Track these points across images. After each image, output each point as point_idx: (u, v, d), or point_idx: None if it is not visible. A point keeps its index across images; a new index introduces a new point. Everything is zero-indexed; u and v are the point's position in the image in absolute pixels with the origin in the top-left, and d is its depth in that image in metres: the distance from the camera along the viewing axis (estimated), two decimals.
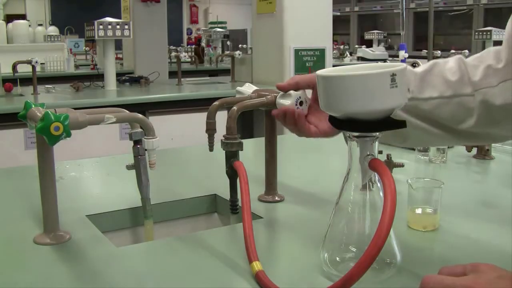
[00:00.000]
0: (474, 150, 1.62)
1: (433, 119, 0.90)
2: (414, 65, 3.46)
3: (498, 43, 0.92)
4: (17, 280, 0.86)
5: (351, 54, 8.67)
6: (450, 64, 0.91)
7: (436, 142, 1.08)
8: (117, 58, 5.48)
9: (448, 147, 1.60)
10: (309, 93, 0.96)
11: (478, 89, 0.88)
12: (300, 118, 0.93)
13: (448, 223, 1.07)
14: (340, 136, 0.92)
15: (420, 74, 0.90)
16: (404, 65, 0.76)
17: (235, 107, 1.05)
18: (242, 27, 8.71)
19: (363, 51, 8.16)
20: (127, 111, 1.06)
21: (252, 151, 1.78)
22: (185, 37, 11.98)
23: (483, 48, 6.62)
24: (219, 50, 7.27)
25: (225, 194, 1.15)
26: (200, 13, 12.84)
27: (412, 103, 0.87)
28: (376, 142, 0.78)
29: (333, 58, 5.19)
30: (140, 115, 1.04)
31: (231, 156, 1.06)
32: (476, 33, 6.33)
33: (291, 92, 0.95)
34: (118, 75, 4.33)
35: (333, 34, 4.31)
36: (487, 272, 0.66)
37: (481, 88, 0.87)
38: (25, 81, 4.21)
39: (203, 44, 7.73)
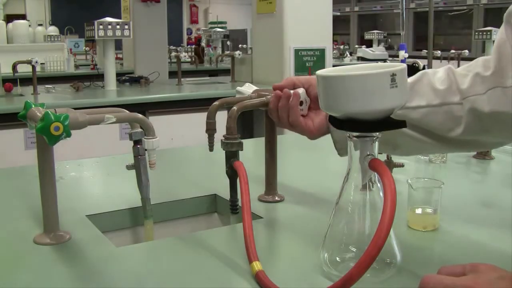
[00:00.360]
0: None
1: (422, 127, 0.91)
2: (414, 64, 3.46)
3: None
4: (17, 280, 0.86)
5: (351, 54, 8.67)
6: (439, 74, 0.92)
7: (427, 150, 1.09)
8: (117, 58, 5.48)
9: None
10: None
11: (466, 97, 0.88)
12: (295, 99, 0.93)
13: (448, 223, 1.07)
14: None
15: (409, 84, 0.91)
16: (404, 65, 0.76)
17: (235, 107, 1.05)
18: (242, 27, 8.72)
19: (363, 51, 8.17)
20: (127, 111, 1.06)
21: (252, 151, 1.78)
22: (185, 37, 11.99)
23: (483, 48, 6.63)
24: (219, 50, 7.27)
25: (225, 194, 1.15)
26: (200, 13, 12.85)
27: (401, 112, 0.88)
28: (376, 142, 0.78)
29: (333, 58, 5.19)
30: (140, 115, 1.04)
31: (231, 156, 1.06)
32: (476, 33, 6.33)
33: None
34: (118, 75, 4.34)
35: (333, 34, 4.31)
36: (487, 272, 0.66)
37: (469, 96, 0.88)
38: (25, 81, 4.21)
39: (203, 44, 7.74)
